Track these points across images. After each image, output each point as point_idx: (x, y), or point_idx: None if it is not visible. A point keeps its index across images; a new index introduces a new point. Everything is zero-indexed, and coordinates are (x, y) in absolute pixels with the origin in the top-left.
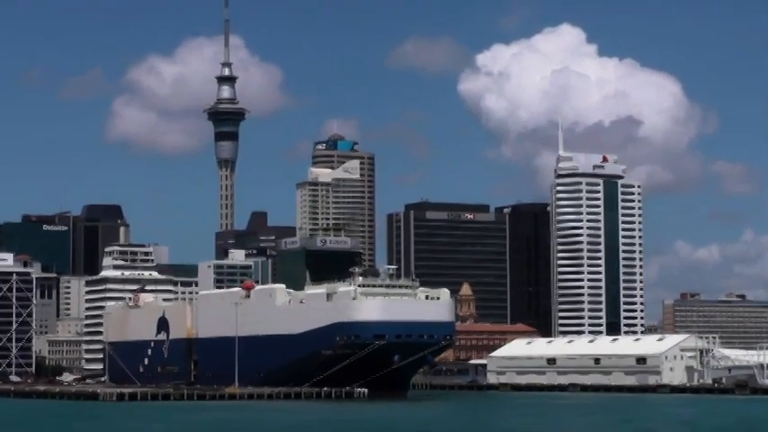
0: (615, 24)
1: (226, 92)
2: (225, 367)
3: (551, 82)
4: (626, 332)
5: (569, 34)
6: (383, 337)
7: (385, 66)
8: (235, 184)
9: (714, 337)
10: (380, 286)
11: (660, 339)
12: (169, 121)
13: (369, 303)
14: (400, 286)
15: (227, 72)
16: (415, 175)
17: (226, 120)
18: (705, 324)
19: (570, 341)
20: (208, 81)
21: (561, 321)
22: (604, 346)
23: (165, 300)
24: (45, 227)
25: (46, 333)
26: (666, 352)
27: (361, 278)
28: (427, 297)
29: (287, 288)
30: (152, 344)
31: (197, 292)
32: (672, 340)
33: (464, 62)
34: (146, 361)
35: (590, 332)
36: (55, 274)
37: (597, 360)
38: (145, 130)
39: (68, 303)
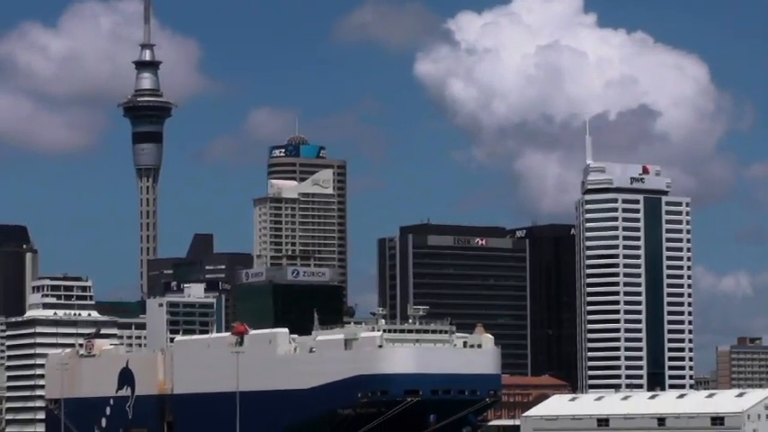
0: None
1: (146, 81)
2: (209, 430)
3: (537, 62)
4: (672, 386)
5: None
6: (417, 392)
7: (331, 39)
8: (159, 197)
9: None
10: (410, 331)
11: (740, 395)
12: (52, 111)
13: (399, 352)
14: (434, 331)
15: (147, 56)
16: (379, 183)
17: (147, 117)
18: None
19: (626, 397)
20: (104, 60)
21: (591, 373)
22: (670, 403)
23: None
24: None
25: None
26: (749, 410)
27: (383, 321)
28: (465, 344)
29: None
30: (111, 401)
31: (143, 336)
32: (755, 396)
33: (431, 35)
34: (103, 422)
35: (627, 386)
36: None
37: (662, 420)
38: (18, 121)
39: None
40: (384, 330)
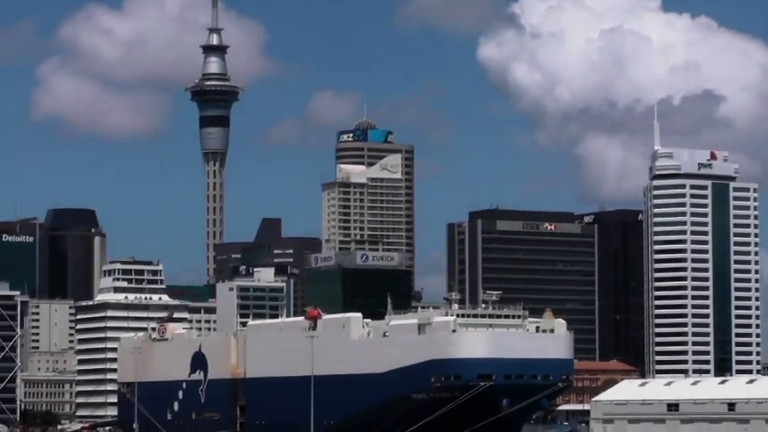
0: None
1: (214, 65)
2: (281, 414)
3: (600, 47)
4: (739, 371)
5: None
6: (490, 377)
7: (395, 23)
8: (225, 181)
9: None
10: (483, 316)
11: None
12: (118, 95)
13: (472, 337)
14: (506, 316)
15: (215, 40)
16: (444, 168)
17: (214, 101)
18: None
19: (695, 382)
20: (169, 43)
21: (659, 358)
22: (740, 388)
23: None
24: (5, 237)
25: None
26: None
27: (456, 306)
28: (538, 329)
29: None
30: (184, 385)
31: (212, 320)
32: None
33: (497, 19)
34: (176, 406)
35: (694, 371)
36: (27, 297)
37: (732, 405)
38: (84, 105)
39: (37, 333)
40: (457, 315)
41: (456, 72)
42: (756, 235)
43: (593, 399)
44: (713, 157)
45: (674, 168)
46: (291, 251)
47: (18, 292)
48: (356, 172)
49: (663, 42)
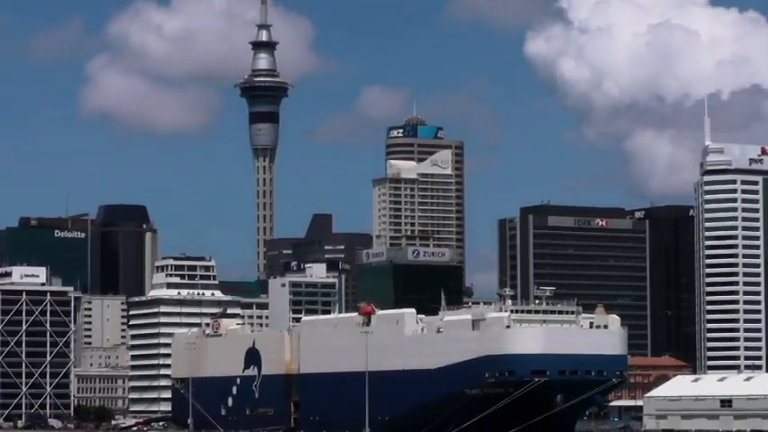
0: None
1: (263, 61)
2: (336, 410)
3: (648, 41)
4: None
5: None
6: (544, 373)
7: (443, 18)
8: (275, 177)
9: None
10: (537, 312)
11: None
12: (167, 91)
13: (527, 333)
14: (560, 312)
15: (264, 36)
16: (493, 163)
17: (264, 97)
18: None
19: (749, 378)
20: (218, 39)
21: (710, 354)
22: None
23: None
24: (57, 233)
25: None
26: None
27: (510, 302)
28: (591, 325)
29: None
30: (238, 380)
31: (264, 316)
32: None
33: (545, 13)
34: (230, 401)
35: (746, 367)
36: (80, 293)
37: None
38: (134, 101)
39: (89, 329)
40: (511, 311)
41: (504, 67)
42: None
43: (647, 395)
44: (764, 152)
45: (725, 164)
46: (342, 247)
47: (71, 288)
48: (406, 168)
49: (710, 37)
